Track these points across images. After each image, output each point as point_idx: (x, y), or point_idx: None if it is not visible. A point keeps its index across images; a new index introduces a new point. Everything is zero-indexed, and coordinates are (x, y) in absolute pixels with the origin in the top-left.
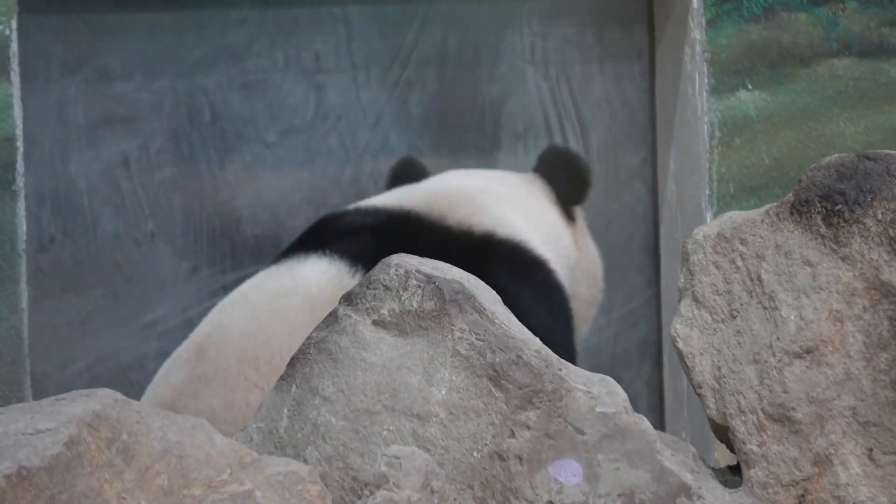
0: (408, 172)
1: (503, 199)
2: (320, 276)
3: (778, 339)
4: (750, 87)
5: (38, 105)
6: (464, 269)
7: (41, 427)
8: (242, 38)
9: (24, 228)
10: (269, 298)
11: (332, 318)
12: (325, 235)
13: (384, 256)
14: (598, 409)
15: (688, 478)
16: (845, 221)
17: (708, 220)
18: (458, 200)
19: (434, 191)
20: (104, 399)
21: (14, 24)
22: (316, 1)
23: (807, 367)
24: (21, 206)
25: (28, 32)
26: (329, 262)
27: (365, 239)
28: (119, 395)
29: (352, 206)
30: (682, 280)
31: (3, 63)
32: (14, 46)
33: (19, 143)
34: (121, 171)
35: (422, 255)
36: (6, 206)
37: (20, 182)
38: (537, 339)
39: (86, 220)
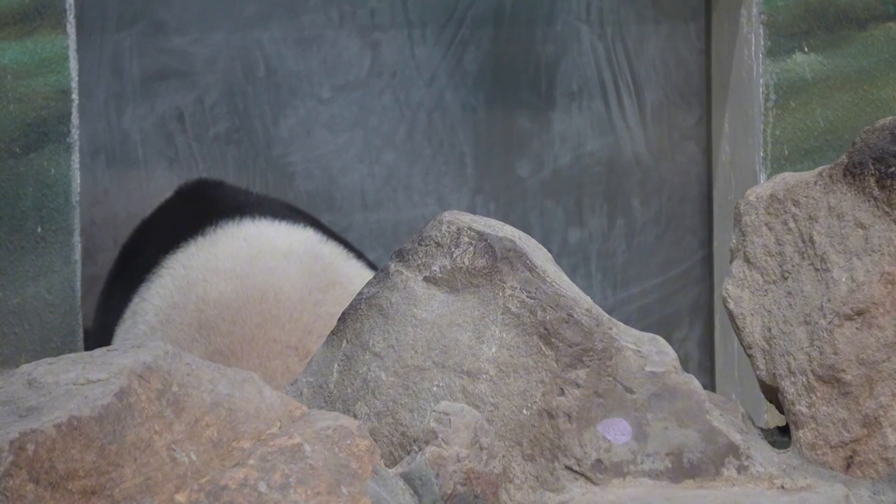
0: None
1: None
2: (278, 232)
3: (829, 300)
4: (806, 49)
5: (94, 58)
6: None
7: (92, 377)
8: None
9: (79, 181)
10: (247, 263)
11: (382, 274)
12: (229, 203)
13: (311, 219)
14: (647, 369)
15: (736, 438)
16: None
17: (761, 182)
18: None
19: None
20: (155, 350)
21: None
22: None
23: (857, 329)
24: (75, 158)
25: None
26: (272, 222)
27: (278, 205)
28: (170, 347)
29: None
30: (734, 241)
31: (59, 15)
32: None
33: (74, 96)
34: (175, 125)
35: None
36: (61, 159)
37: (75, 134)
38: (588, 297)
39: (139, 174)
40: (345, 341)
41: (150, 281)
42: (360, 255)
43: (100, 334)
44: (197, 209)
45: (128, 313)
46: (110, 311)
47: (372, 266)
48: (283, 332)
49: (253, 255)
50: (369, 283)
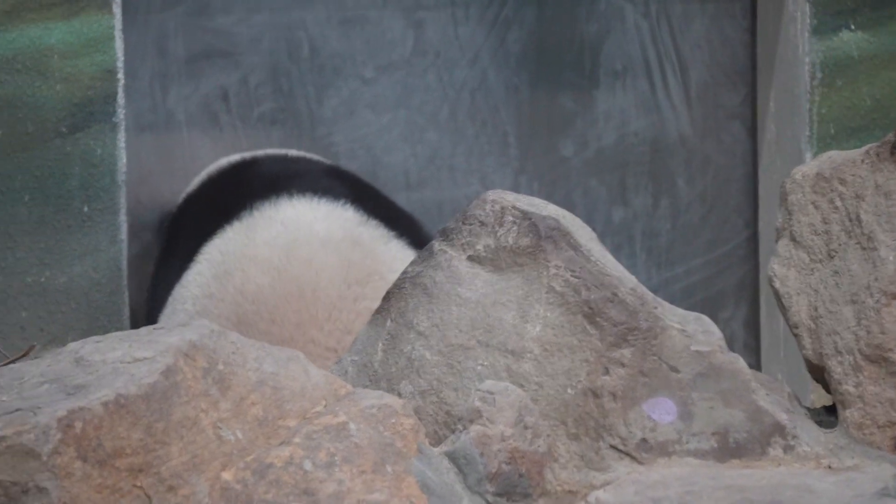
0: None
1: None
2: (316, 214)
3: (876, 279)
4: (853, 27)
5: (139, 38)
6: None
7: (138, 356)
8: None
9: (124, 160)
10: (283, 252)
11: (427, 253)
12: (265, 181)
13: (354, 190)
14: (692, 348)
15: (783, 417)
16: None
17: (807, 161)
18: None
19: None
20: (201, 329)
21: None
22: None
23: None
24: (121, 137)
25: None
26: (311, 201)
27: (318, 176)
28: (215, 326)
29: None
30: (780, 220)
31: None
32: None
33: (120, 76)
34: (220, 105)
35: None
36: (106, 138)
37: (120, 114)
38: (633, 277)
39: (185, 153)
40: (389, 320)
41: (190, 268)
42: (404, 228)
43: (146, 318)
44: (234, 189)
45: (169, 300)
46: (157, 295)
47: (416, 240)
48: (322, 334)
49: (290, 243)
50: (413, 262)
